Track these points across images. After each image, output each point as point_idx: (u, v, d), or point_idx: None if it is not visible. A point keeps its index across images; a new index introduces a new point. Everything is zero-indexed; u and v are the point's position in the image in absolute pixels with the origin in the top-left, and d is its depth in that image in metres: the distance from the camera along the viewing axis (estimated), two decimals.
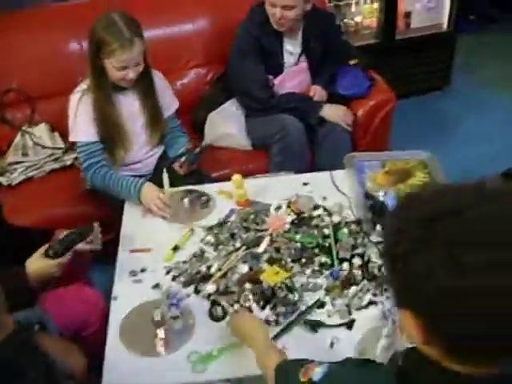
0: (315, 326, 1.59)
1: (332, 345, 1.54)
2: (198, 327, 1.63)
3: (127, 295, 1.75)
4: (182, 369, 1.52)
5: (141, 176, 2.28)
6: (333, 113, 2.58)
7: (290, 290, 1.68)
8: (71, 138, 2.25)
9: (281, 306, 1.64)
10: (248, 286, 1.70)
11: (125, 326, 1.64)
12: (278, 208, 2.01)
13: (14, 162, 2.55)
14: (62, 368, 1.45)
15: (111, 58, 2.05)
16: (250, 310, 1.62)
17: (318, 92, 2.63)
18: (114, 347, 1.59)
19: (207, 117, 2.71)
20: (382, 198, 2.00)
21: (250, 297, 1.65)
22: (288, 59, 2.62)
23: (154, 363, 1.55)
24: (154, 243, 1.95)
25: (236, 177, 2.04)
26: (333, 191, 2.11)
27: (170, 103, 2.40)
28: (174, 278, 1.79)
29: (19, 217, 2.24)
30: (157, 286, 1.78)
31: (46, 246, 1.69)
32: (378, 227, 1.89)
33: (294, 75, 2.64)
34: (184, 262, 1.85)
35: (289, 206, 2.01)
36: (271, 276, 1.71)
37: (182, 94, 2.91)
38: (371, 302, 1.64)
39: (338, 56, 2.71)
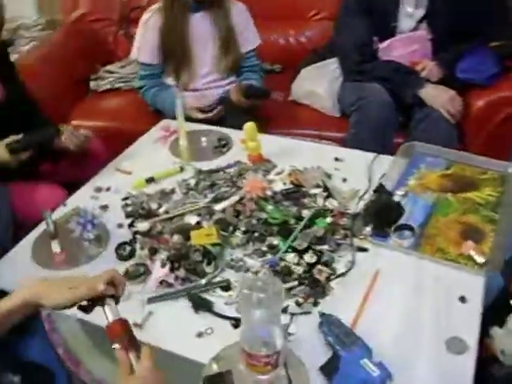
0: (199, 305, 1.26)
1: (200, 335, 1.20)
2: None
3: (74, 204, 1.63)
4: None
5: (203, 110, 2.15)
6: (435, 95, 2.02)
7: (209, 259, 1.36)
8: (133, 56, 2.24)
9: (183, 271, 1.34)
10: (175, 238, 1.43)
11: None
12: (279, 173, 1.66)
13: (108, 71, 2.61)
14: None
15: None
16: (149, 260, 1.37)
17: (428, 68, 2.08)
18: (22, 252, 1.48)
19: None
20: (398, 198, 1.50)
21: (163, 251, 1.39)
22: (404, 22, 2.13)
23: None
24: (139, 168, 1.78)
25: (249, 125, 1.72)
26: (361, 177, 1.65)
27: (250, 38, 2.23)
28: (125, 206, 1.61)
29: (90, 118, 2.32)
30: (105, 207, 1.62)
31: (12, 138, 1.69)
32: (367, 230, 1.42)
33: (405, 43, 2.12)
34: (147, 195, 1.64)
35: (290, 174, 1.63)
36: (199, 236, 1.41)
37: (304, 47, 2.68)
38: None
39: (480, 32, 2.09)
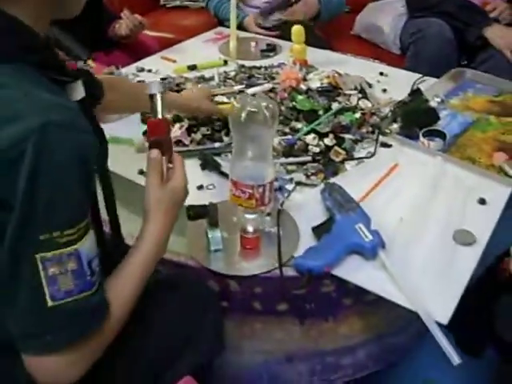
0: (207, 163, 1.25)
1: (201, 188, 1.19)
2: None
3: None
4: None
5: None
6: (501, 35, 1.90)
7: (228, 130, 1.34)
8: None
9: (200, 135, 1.33)
10: None
11: None
12: (318, 74, 1.61)
13: None
14: None
15: None
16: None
17: (499, 9, 1.95)
18: None
19: None
20: (434, 104, 1.42)
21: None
22: None
23: None
24: (184, 58, 1.79)
25: (296, 27, 1.68)
26: (403, 91, 1.56)
27: None
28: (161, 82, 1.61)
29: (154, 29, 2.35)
30: (141, 82, 1.63)
31: None
32: (394, 126, 1.35)
33: None
34: (185, 78, 1.64)
35: (329, 77, 1.58)
36: (224, 108, 1.39)
37: None
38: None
39: None
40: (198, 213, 1.00)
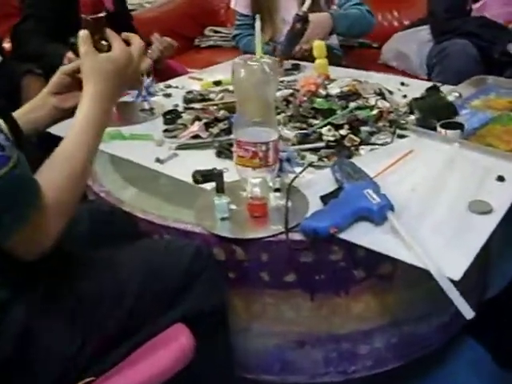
0: (222, 151, 1.27)
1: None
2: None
3: None
4: None
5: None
6: None
7: None
8: (232, 5, 2.33)
9: (217, 129, 1.37)
10: (221, 112, 1.46)
11: None
12: (339, 82, 1.63)
13: (213, 30, 2.77)
14: None
15: None
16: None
17: None
18: None
19: None
20: (452, 99, 1.41)
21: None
22: None
23: None
24: (211, 77, 1.85)
25: (318, 42, 1.73)
26: None
27: None
28: (186, 94, 1.66)
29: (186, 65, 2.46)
30: (168, 95, 1.71)
31: None
32: (411, 118, 1.35)
33: (500, 3, 2.03)
34: (210, 91, 1.70)
35: (348, 85, 1.60)
36: None
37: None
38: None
39: None
40: (203, 176, 1.01)
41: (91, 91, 0.87)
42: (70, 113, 0.93)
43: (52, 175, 0.77)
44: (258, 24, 1.84)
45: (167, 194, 1.18)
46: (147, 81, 1.55)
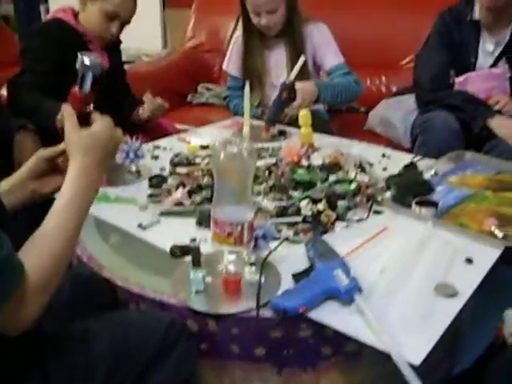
0: (203, 220, 1.30)
1: (193, 240, 1.24)
2: None
3: None
4: None
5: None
6: (504, 125, 1.96)
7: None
8: (224, 67, 2.41)
9: (200, 198, 1.41)
10: (206, 179, 1.51)
11: None
12: (322, 153, 1.69)
13: (206, 87, 2.86)
14: None
15: (247, 2, 2.11)
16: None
17: (503, 102, 2.04)
18: None
19: None
20: (428, 176, 1.47)
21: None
22: (483, 59, 2.13)
23: None
24: (199, 140, 1.91)
25: (304, 112, 1.80)
26: None
27: (332, 56, 2.21)
28: (173, 157, 1.71)
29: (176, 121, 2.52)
30: (156, 157, 1.77)
31: None
32: (387, 195, 1.40)
33: (483, 79, 2.11)
34: (196, 155, 1.75)
35: (331, 155, 1.66)
36: None
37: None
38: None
39: None
40: (181, 251, 1.05)
41: (77, 166, 0.90)
42: (49, 194, 0.96)
43: (34, 255, 0.80)
44: (247, 90, 1.95)
45: (147, 262, 1.21)
46: (136, 144, 1.60)
